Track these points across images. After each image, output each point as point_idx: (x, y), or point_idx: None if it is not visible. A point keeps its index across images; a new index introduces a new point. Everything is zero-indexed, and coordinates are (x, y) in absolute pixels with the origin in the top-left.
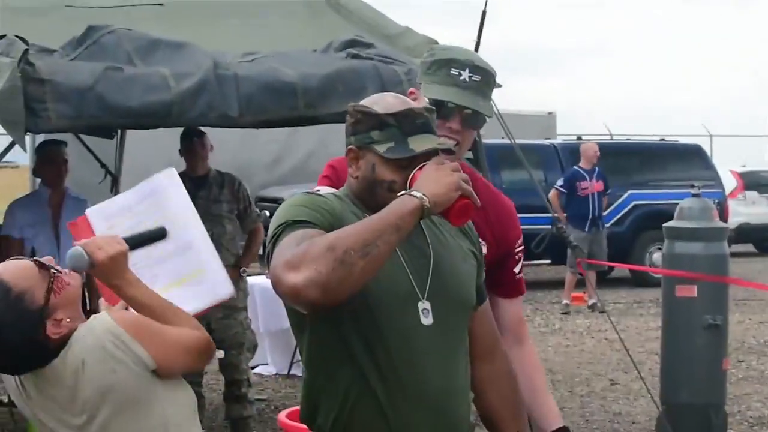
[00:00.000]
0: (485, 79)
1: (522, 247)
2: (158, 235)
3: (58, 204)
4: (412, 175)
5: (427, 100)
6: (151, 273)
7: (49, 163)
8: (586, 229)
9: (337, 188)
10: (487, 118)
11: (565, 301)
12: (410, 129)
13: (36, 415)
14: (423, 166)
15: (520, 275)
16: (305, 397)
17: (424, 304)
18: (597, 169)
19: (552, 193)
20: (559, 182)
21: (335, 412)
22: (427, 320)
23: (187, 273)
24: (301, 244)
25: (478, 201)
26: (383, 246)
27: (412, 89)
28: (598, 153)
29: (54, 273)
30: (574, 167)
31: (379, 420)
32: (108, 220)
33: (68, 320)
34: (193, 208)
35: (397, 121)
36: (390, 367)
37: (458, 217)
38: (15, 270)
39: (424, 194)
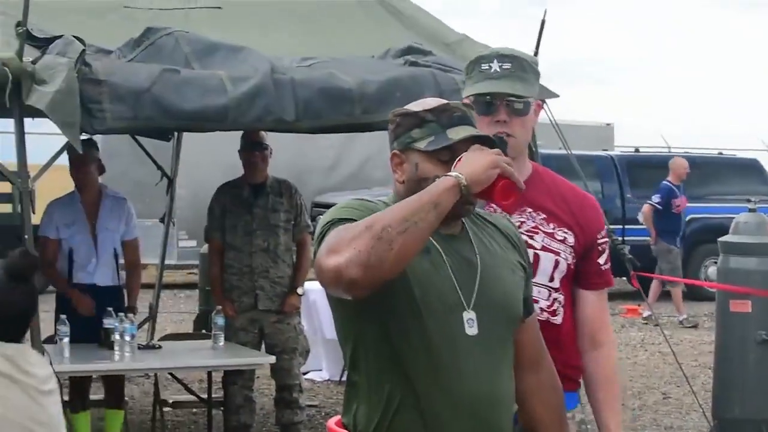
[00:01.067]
0: (517, 65)
1: (606, 239)
2: None
3: (94, 203)
4: (453, 165)
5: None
6: None
7: (76, 166)
8: (677, 244)
9: None
10: (530, 99)
11: (682, 317)
12: (448, 122)
13: None
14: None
15: (606, 266)
16: (347, 402)
17: (469, 314)
18: (682, 185)
19: (646, 208)
20: (656, 198)
21: (377, 419)
22: (471, 330)
23: None
24: (343, 226)
25: (522, 183)
26: (421, 223)
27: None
28: (688, 170)
29: None
30: (667, 183)
31: (420, 428)
32: None
33: None
34: None
35: (435, 116)
36: (433, 375)
37: (502, 196)
38: None
39: (460, 173)
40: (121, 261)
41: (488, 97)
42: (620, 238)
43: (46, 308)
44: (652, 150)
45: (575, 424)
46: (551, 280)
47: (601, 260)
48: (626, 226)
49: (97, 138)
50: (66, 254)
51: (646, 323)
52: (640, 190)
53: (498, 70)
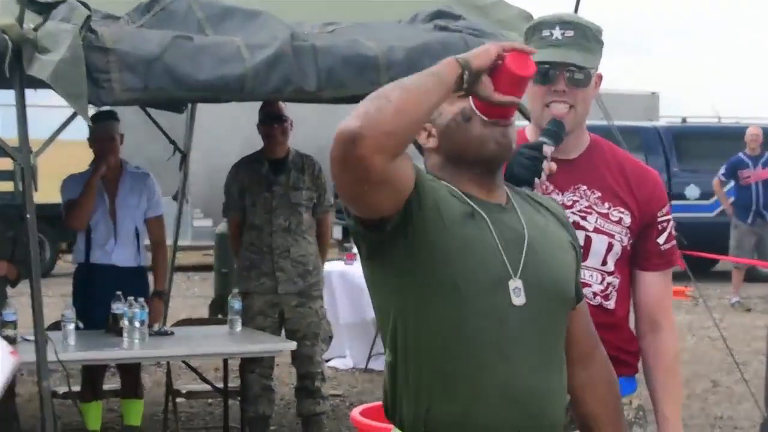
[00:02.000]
0: (580, 32)
1: (669, 217)
2: None
3: (114, 178)
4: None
5: None
6: None
7: (98, 140)
8: (749, 220)
9: None
10: (592, 70)
11: (735, 299)
12: None
13: None
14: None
15: (667, 246)
16: (389, 385)
17: (515, 283)
18: (761, 156)
19: (715, 182)
20: (721, 170)
21: (414, 405)
22: (519, 300)
23: None
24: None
25: (530, 47)
26: (421, 86)
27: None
28: (760, 138)
29: None
30: (739, 154)
31: (459, 417)
32: None
33: None
34: None
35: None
36: (475, 355)
37: (517, 66)
38: None
39: (462, 57)
40: (147, 242)
41: (547, 65)
42: None
43: (50, 293)
44: (700, 120)
45: (632, 410)
46: (604, 263)
47: (661, 239)
48: (673, 202)
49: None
50: (83, 232)
51: (696, 305)
52: (687, 163)
53: (560, 37)
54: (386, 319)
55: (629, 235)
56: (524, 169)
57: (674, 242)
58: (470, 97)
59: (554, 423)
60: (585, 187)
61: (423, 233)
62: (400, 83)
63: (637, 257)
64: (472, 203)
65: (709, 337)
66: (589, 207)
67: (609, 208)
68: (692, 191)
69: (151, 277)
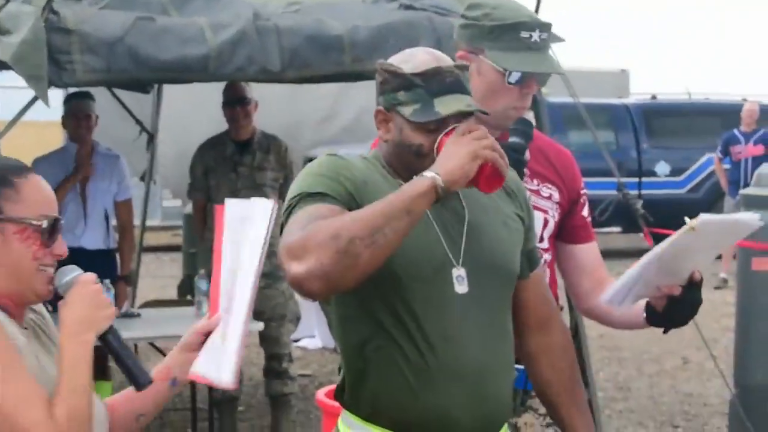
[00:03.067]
0: (550, 35)
1: (585, 191)
2: (133, 376)
3: (86, 161)
4: (438, 139)
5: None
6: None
7: (72, 118)
8: (736, 196)
9: None
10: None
11: (722, 275)
12: (438, 89)
13: None
14: (451, 130)
15: (588, 219)
16: (342, 372)
17: (458, 271)
18: (762, 131)
19: (715, 159)
20: (719, 147)
21: (363, 389)
22: (461, 288)
23: (222, 326)
24: (307, 227)
25: (505, 169)
26: (391, 234)
27: (467, 49)
28: (756, 115)
29: (38, 224)
30: (734, 130)
31: (409, 399)
32: (233, 221)
33: None
34: (260, 260)
35: (424, 81)
36: (421, 340)
37: (487, 185)
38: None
39: (437, 173)
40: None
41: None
42: (636, 192)
43: None
44: (670, 97)
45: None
46: (541, 240)
47: (585, 212)
48: (643, 179)
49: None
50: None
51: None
52: (657, 140)
53: (538, 41)
54: (329, 307)
55: (559, 211)
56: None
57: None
58: (436, 145)
59: (501, 397)
60: None
61: None
62: (372, 229)
63: (566, 233)
64: None
65: None
66: None
67: (538, 185)
68: (662, 168)
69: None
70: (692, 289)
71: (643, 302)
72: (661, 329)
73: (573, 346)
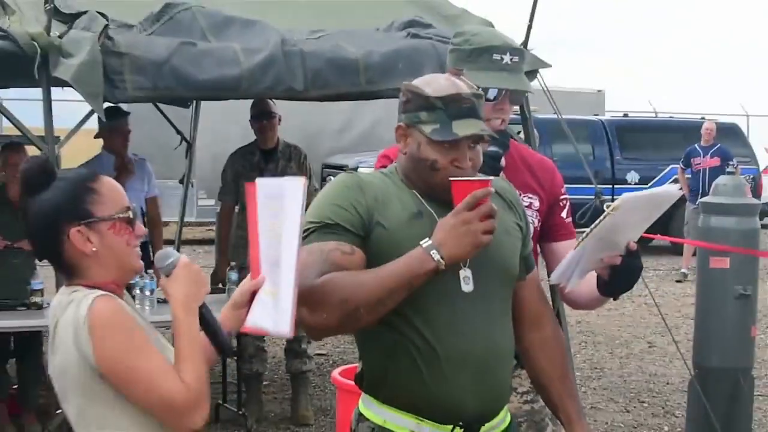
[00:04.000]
0: (522, 58)
1: (566, 196)
2: (219, 342)
3: (123, 167)
4: (451, 179)
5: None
6: (266, 249)
7: (116, 133)
8: (696, 203)
9: None
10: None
11: (684, 269)
12: (456, 113)
13: None
14: (465, 182)
15: (569, 220)
16: (360, 357)
17: (465, 272)
18: (718, 146)
19: (678, 169)
20: (682, 159)
21: (377, 376)
22: (467, 287)
23: (271, 285)
24: (323, 280)
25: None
26: (391, 303)
27: (453, 70)
28: (713, 132)
29: (126, 215)
30: (695, 144)
31: (420, 385)
32: (267, 198)
33: (93, 248)
34: (300, 228)
35: (444, 104)
36: (431, 333)
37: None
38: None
39: (441, 255)
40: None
41: (503, 90)
42: (609, 197)
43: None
44: (640, 115)
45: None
46: None
47: (564, 214)
48: (616, 186)
49: (126, 105)
50: None
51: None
52: (628, 151)
53: (509, 62)
54: None
55: (539, 218)
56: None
57: (570, 219)
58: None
59: (503, 383)
60: None
61: (374, 246)
62: (377, 300)
63: (547, 233)
64: (423, 201)
65: (646, 303)
66: None
67: (521, 195)
68: (632, 176)
69: None
70: (631, 257)
71: (595, 279)
72: (611, 296)
73: (564, 340)
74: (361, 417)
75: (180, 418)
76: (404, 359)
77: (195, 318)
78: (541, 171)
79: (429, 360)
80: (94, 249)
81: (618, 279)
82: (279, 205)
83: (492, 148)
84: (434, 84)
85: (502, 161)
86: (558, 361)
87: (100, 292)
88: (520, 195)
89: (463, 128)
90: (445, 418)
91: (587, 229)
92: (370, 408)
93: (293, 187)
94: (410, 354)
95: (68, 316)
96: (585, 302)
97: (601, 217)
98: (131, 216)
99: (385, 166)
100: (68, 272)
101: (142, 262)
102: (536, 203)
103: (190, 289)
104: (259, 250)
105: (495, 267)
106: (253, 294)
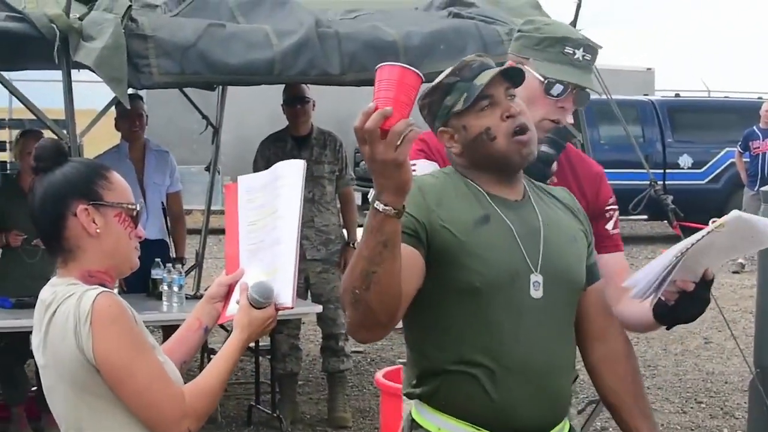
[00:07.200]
0: (594, 58)
1: (614, 206)
2: None
3: (140, 157)
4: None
5: (540, 77)
6: (249, 240)
7: (126, 119)
8: (756, 188)
9: (432, 160)
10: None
11: (740, 259)
12: (471, 74)
13: None
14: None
15: (615, 231)
16: (407, 367)
17: (536, 277)
18: None
19: (736, 153)
20: (740, 142)
21: (436, 385)
22: (537, 293)
23: (265, 268)
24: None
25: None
26: (382, 269)
27: (515, 58)
28: None
29: (133, 208)
30: (753, 127)
31: (480, 394)
32: (249, 193)
33: (97, 229)
34: (299, 207)
35: (457, 75)
36: (495, 342)
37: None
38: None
39: (385, 204)
40: None
41: (570, 85)
42: (661, 183)
43: None
44: (692, 94)
45: None
46: None
47: (609, 226)
48: (667, 170)
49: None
50: None
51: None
52: (680, 134)
53: (581, 59)
54: (418, 317)
55: None
56: (536, 178)
57: (619, 229)
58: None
59: (563, 395)
60: None
61: (439, 254)
62: (362, 273)
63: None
64: (491, 201)
65: None
66: None
67: None
68: (685, 160)
69: None
70: (704, 286)
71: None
72: (667, 325)
73: (634, 354)
74: (413, 423)
75: (165, 425)
76: (466, 371)
77: (239, 355)
78: (587, 180)
79: (491, 372)
80: (98, 230)
81: (683, 308)
82: (265, 193)
83: (544, 149)
84: (441, 76)
85: (554, 166)
86: (627, 378)
87: (101, 288)
88: None
89: (484, 77)
90: (503, 427)
91: (683, 244)
92: (424, 415)
93: (292, 167)
94: (473, 365)
95: (68, 307)
96: (633, 324)
97: (704, 232)
98: (137, 212)
99: (422, 150)
100: (65, 254)
101: (138, 261)
102: None
103: (256, 331)
104: (238, 246)
105: (562, 275)
106: (230, 287)
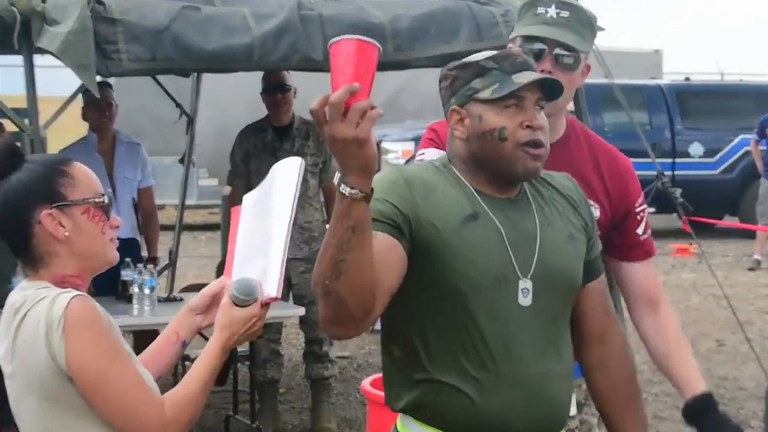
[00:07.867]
0: (575, 16)
1: (644, 206)
2: None
3: (110, 150)
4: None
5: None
6: (244, 248)
7: (92, 107)
8: None
9: (442, 150)
10: (582, 56)
11: (757, 255)
12: (512, 68)
13: None
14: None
15: (646, 236)
16: (387, 377)
17: (525, 284)
18: None
19: (751, 142)
20: (755, 129)
21: (419, 397)
22: (526, 300)
23: (257, 268)
24: None
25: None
26: (350, 257)
27: (510, 42)
28: None
29: (101, 200)
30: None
31: (468, 405)
32: (253, 206)
33: (65, 232)
34: (294, 203)
35: (496, 63)
36: (481, 349)
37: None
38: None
39: (351, 187)
40: None
41: (537, 42)
42: (669, 173)
43: None
44: (704, 78)
45: (582, 392)
46: None
47: (640, 230)
48: (677, 160)
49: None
50: None
51: (700, 262)
52: (691, 120)
53: (554, 16)
54: (397, 320)
55: (599, 230)
56: None
57: (650, 232)
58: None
59: (558, 405)
60: None
61: (426, 246)
62: (331, 261)
63: (616, 250)
64: (480, 200)
65: (714, 295)
66: None
67: None
68: (696, 149)
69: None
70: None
71: (695, 374)
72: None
73: (631, 359)
74: None
75: None
76: (450, 380)
77: (220, 359)
78: (612, 175)
79: (477, 381)
80: (66, 234)
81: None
82: (263, 198)
83: None
84: (478, 55)
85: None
86: (622, 384)
87: (75, 291)
88: None
89: (524, 78)
90: None
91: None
92: (409, 427)
93: (290, 164)
94: (457, 374)
95: (39, 312)
96: (649, 348)
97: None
98: (106, 203)
99: (432, 140)
100: (35, 262)
101: (117, 254)
102: (597, 212)
103: (238, 332)
104: (234, 256)
105: (556, 279)
106: (212, 297)
